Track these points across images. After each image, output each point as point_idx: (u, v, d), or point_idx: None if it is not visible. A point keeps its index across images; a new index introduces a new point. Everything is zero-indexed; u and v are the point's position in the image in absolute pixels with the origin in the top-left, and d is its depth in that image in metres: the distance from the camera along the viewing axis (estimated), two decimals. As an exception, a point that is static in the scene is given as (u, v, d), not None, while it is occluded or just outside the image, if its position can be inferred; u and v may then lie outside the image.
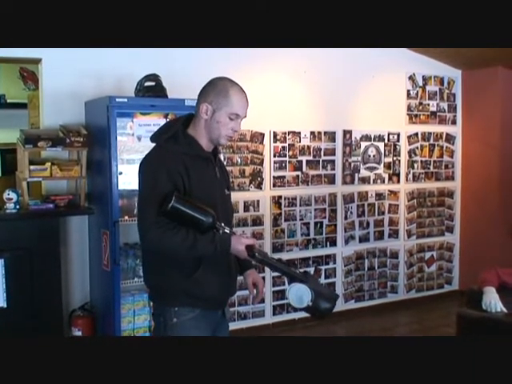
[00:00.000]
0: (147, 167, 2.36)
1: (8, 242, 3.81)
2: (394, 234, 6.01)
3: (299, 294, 2.38)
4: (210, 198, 2.36)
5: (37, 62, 4.40)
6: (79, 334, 4.14)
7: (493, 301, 3.71)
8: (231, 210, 2.66)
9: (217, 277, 2.37)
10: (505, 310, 3.68)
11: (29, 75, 6.77)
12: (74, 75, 4.28)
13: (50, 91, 4.29)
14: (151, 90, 4.08)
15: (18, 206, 3.86)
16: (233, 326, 5.02)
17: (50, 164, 3.97)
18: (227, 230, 2.31)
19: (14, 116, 5.80)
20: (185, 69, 4.68)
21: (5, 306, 3.82)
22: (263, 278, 5.07)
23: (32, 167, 3.94)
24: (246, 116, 2.44)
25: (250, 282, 2.53)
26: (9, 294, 3.83)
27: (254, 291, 2.56)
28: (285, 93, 5.28)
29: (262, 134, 5.20)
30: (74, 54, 4.20)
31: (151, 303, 2.80)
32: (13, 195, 3.85)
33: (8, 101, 6.42)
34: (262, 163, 5.21)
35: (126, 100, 3.90)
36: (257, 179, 5.20)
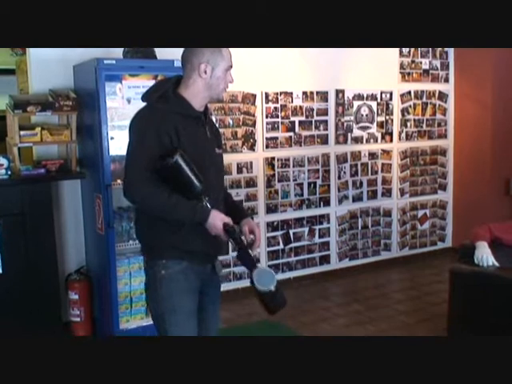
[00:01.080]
0: (136, 126, 2.38)
1: (1, 207, 3.79)
2: (387, 193, 6.00)
3: (266, 277, 2.40)
4: (200, 156, 2.36)
5: (23, 25, 4.30)
6: (76, 297, 4.15)
7: (485, 255, 3.73)
8: (223, 169, 2.65)
9: (204, 233, 2.34)
10: (497, 263, 3.70)
11: (16, 41, 6.64)
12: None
13: (37, 56, 4.20)
14: (140, 51, 4.01)
15: (9, 172, 3.83)
16: (229, 286, 5.08)
17: (40, 129, 3.93)
18: (208, 205, 2.31)
19: (3, 82, 5.69)
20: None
21: (0, 271, 3.82)
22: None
23: (22, 132, 3.90)
24: None
25: (247, 229, 2.50)
26: (4, 259, 3.82)
27: (251, 237, 2.51)
28: (276, 52, 5.18)
29: (254, 95, 5.13)
30: (60, 17, 4.10)
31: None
32: (3, 161, 3.81)
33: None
34: (254, 124, 5.16)
35: (114, 62, 3.84)
36: (249, 141, 5.15)
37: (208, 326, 2.58)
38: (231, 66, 2.47)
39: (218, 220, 2.30)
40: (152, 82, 3.84)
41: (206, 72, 2.38)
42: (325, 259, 5.64)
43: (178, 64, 3.77)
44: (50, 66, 4.19)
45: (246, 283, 5.16)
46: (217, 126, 2.74)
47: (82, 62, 4.09)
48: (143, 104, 2.45)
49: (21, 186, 3.87)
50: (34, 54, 4.21)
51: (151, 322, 3.02)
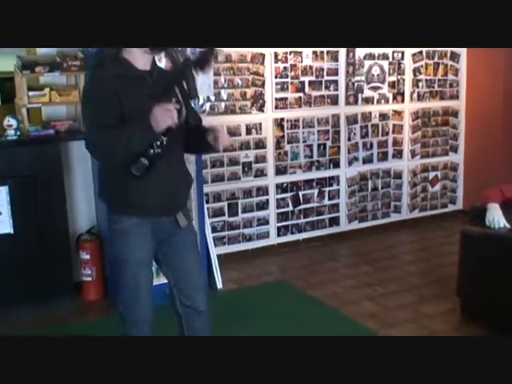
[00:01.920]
0: (84, 97, 2.53)
1: (10, 168, 3.81)
2: (398, 155, 5.95)
3: None
4: (145, 114, 2.33)
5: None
6: (87, 257, 4.19)
7: (496, 217, 3.71)
8: (178, 134, 2.53)
9: (154, 185, 2.44)
10: (508, 225, 3.68)
11: (23, 0, 6.57)
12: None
13: (44, 14, 4.15)
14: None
15: (18, 133, 3.84)
16: (238, 247, 5.12)
17: (48, 89, 3.92)
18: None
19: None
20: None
21: (12, 231, 3.86)
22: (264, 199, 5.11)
23: (31, 93, 3.90)
24: None
25: (212, 137, 2.53)
26: (15, 219, 3.85)
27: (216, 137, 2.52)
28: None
29: (263, 55, 5.07)
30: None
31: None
32: (13, 122, 3.81)
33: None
34: (263, 85, 5.10)
35: (121, 21, 3.77)
36: (258, 101, 5.10)
37: (186, 276, 2.65)
38: None
39: (161, 110, 2.31)
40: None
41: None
42: (334, 221, 5.65)
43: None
44: (57, 26, 4.14)
45: (255, 244, 5.21)
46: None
47: (90, 20, 4.03)
48: None
49: (30, 146, 3.87)
50: (41, 13, 4.16)
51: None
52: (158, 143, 2.36)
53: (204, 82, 4.43)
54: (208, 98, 4.80)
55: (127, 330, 2.63)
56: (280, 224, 5.35)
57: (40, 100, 3.91)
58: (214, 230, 4.89)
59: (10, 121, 3.82)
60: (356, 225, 5.80)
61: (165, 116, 2.30)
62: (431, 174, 6.24)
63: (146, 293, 2.56)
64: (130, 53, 2.45)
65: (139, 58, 2.45)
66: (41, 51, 4.18)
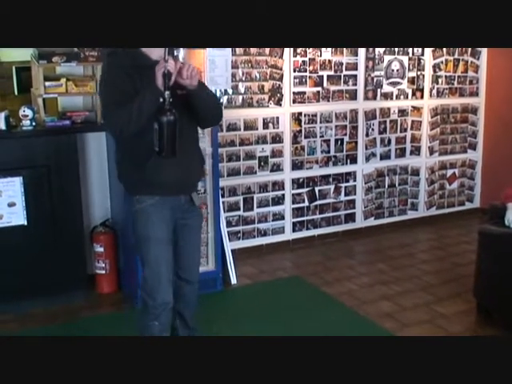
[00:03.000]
0: (100, 83, 2.74)
1: (25, 159, 3.78)
2: (416, 151, 5.88)
3: None
4: None
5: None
6: (101, 250, 4.17)
7: (516, 217, 3.63)
8: (186, 112, 2.70)
9: (170, 164, 2.60)
10: (529, 226, 3.60)
11: (41, -11, 6.54)
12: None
13: (61, 4, 4.11)
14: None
15: (34, 123, 3.80)
16: (253, 242, 5.08)
17: (65, 80, 3.88)
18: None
19: (28, 32, 5.62)
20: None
21: (25, 223, 3.83)
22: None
23: (47, 83, 3.86)
24: None
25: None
26: (29, 211, 3.83)
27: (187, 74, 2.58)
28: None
29: (282, 48, 5.00)
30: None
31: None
32: (28, 112, 3.78)
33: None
34: (281, 78, 5.04)
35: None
36: (276, 95, 5.04)
37: (188, 255, 2.90)
38: None
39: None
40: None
41: None
42: (350, 217, 5.58)
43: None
44: (74, 15, 4.10)
45: (269, 239, 5.17)
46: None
47: (107, 11, 3.99)
48: None
49: (46, 137, 3.84)
50: (59, 2, 4.12)
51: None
52: (166, 100, 2.46)
53: (222, 75, 4.37)
54: (225, 91, 4.74)
55: (149, 322, 2.76)
56: (295, 219, 5.30)
57: (56, 90, 3.88)
58: (228, 224, 4.84)
59: (25, 111, 3.78)
60: (372, 221, 5.73)
61: (160, 66, 2.46)
62: (449, 172, 6.16)
63: (166, 270, 2.73)
64: None
65: (153, 48, 2.58)
66: (58, 41, 4.15)
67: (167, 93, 2.46)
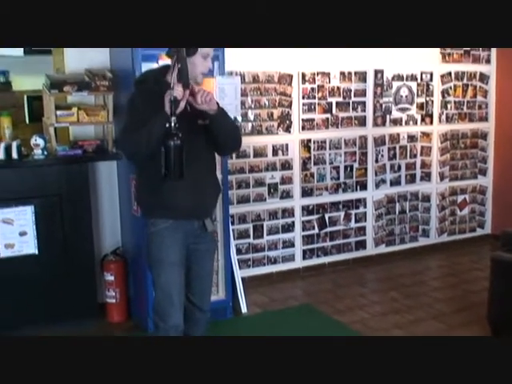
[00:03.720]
0: (127, 105, 2.82)
1: (37, 188, 3.82)
2: (426, 177, 5.88)
3: None
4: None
5: (59, 4, 4.28)
6: (111, 278, 4.17)
7: (530, 244, 3.62)
8: (205, 141, 2.79)
9: (184, 188, 2.67)
10: (543, 253, 3.59)
11: (52, 19, 6.64)
12: (97, 17, 4.15)
13: (73, 34, 4.18)
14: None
15: (45, 152, 3.83)
16: (263, 270, 5.07)
17: (76, 109, 3.92)
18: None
19: (39, 62, 5.68)
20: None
21: (36, 252, 3.85)
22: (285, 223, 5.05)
23: (59, 112, 3.90)
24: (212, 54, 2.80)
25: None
26: (40, 240, 3.85)
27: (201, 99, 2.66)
28: (314, 32, 5.08)
29: (291, 76, 5.05)
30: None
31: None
32: (40, 141, 3.82)
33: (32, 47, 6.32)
34: (290, 105, 5.08)
35: (150, 42, 3.78)
36: (285, 122, 5.08)
37: (200, 280, 2.93)
38: (208, 54, 2.74)
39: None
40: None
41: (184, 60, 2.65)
42: (361, 244, 5.57)
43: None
44: (86, 46, 4.16)
45: (280, 267, 5.16)
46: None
47: (119, 41, 4.05)
48: None
49: (57, 166, 3.88)
50: (70, 33, 4.19)
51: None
52: (172, 125, 2.52)
53: (231, 102, 4.41)
54: (235, 118, 4.77)
55: None
56: (306, 247, 5.29)
57: (68, 119, 3.92)
58: (238, 252, 4.84)
59: (37, 140, 3.82)
60: (383, 249, 5.71)
61: (168, 92, 2.55)
62: (460, 198, 6.15)
63: (177, 294, 2.77)
64: (171, 76, 2.65)
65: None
66: (69, 70, 4.22)
67: (173, 118, 2.54)
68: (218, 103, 2.80)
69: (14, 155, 3.77)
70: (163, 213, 2.75)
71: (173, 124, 2.53)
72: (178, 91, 2.56)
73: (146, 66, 3.89)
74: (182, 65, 2.57)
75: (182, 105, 2.59)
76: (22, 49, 4.08)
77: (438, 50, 5.79)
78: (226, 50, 4.06)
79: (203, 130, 2.76)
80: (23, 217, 3.82)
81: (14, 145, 3.77)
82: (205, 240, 2.89)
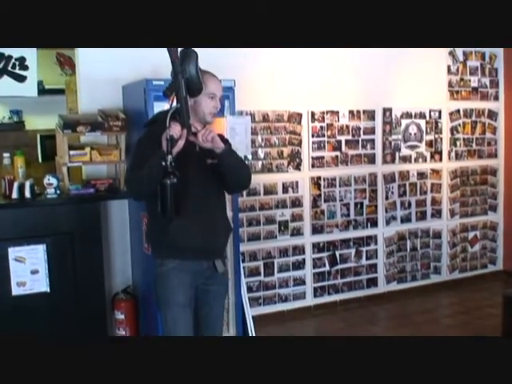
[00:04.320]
0: (135, 146, 2.87)
1: (49, 227, 3.83)
2: (437, 214, 5.89)
3: None
4: (184, 169, 2.62)
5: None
6: (122, 317, 4.16)
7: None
8: (214, 179, 2.81)
9: (193, 227, 2.69)
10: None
11: (65, 60, 6.80)
12: (110, 59, 4.24)
13: (86, 76, 4.28)
14: (188, 72, 4.03)
15: (58, 191, 3.86)
16: (274, 308, 5.05)
17: (89, 149, 3.96)
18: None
19: (52, 102, 5.81)
20: (221, 50, 4.60)
21: (48, 290, 3.86)
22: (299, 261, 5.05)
23: (72, 152, 3.93)
24: (222, 94, 2.86)
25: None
26: (51, 278, 3.86)
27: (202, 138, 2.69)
28: (322, 71, 5.18)
29: (300, 114, 5.12)
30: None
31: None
32: (53, 180, 3.85)
33: (46, 87, 6.44)
34: (300, 144, 5.14)
35: (162, 83, 3.83)
36: (295, 160, 5.13)
37: (211, 322, 2.91)
38: (215, 94, 2.79)
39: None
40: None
41: (191, 100, 2.72)
42: (372, 282, 5.56)
43: (225, 84, 3.82)
44: (99, 86, 4.25)
45: (290, 305, 5.13)
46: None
47: (131, 82, 4.14)
48: None
49: (70, 205, 3.90)
50: (84, 73, 4.29)
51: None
52: (168, 163, 2.53)
53: (242, 141, 4.46)
54: (245, 157, 4.82)
55: None
56: (316, 284, 5.28)
57: (81, 159, 3.96)
58: (249, 289, 4.84)
59: (50, 179, 3.86)
60: (395, 286, 5.69)
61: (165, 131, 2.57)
62: (470, 234, 6.15)
63: (184, 334, 2.73)
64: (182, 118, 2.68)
65: (192, 122, 2.69)
66: (82, 110, 4.29)
67: (170, 156, 2.54)
68: (227, 141, 2.85)
69: (27, 194, 3.80)
70: (170, 252, 2.74)
71: (169, 162, 2.54)
72: (174, 130, 2.57)
73: (159, 106, 3.96)
74: (181, 104, 2.61)
75: (181, 144, 2.59)
76: (36, 90, 4.14)
77: (445, 87, 5.86)
78: (237, 89, 4.11)
79: (212, 169, 2.77)
80: (35, 255, 3.84)
81: (27, 184, 3.81)
82: (215, 281, 2.85)
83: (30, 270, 3.83)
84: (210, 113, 2.80)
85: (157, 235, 2.79)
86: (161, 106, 3.96)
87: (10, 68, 4.03)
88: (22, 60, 4.04)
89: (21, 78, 4.07)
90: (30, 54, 4.06)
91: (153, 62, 4.30)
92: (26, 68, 4.07)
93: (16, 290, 3.81)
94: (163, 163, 2.54)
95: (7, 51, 3.99)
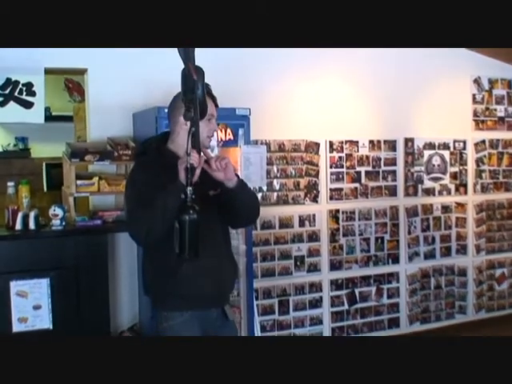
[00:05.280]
0: (127, 183, 2.71)
1: (54, 260, 3.79)
2: (462, 250, 5.81)
3: None
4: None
5: (82, 72, 4.41)
6: (128, 357, 4.08)
7: None
8: (215, 211, 2.66)
9: (203, 273, 2.52)
10: None
11: (74, 86, 6.86)
12: (121, 85, 4.27)
13: (96, 103, 4.28)
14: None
15: (64, 223, 3.84)
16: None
17: (97, 178, 3.96)
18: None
19: (60, 129, 5.85)
20: (236, 77, 4.62)
21: (51, 327, 3.80)
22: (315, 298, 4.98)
23: (79, 182, 3.92)
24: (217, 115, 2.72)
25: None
26: (55, 314, 3.81)
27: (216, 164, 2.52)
28: (341, 99, 5.16)
29: (318, 144, 5.09)
30: (121, 63, 4.20)
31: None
32: (59, 211, 3.83)
33: (53, 113, 6.50)
34: (317, 175, 5.10)
35: (174, 110, 3.84)
36: (312, 192, 5.08)
37: None
38: (212, 116, 2.65)
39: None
40: (213, 131, 3.91)
41: (185, 124, 2.55)
42: (394, 322, 5.45)
43: (240, 112, 3.83)
44: (108, 114, 4.26)
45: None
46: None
47: (142, 109, 4.14)
48: None
49: (75, 237, 3.87)
50: (93, 100, 4.30)
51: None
52: (188, 196, 2.33)
53: (257, 172, 4.44)
54: (260, 188, 4.80)
55: None
56: (334, 324, 5.19)
57: (88, 189, 3.95)
58: (263, 329, 4.75)
59: (55, 210, 3.84)
60: (418, 327, 5.58)
61: (183, 159, 2.38)
62: (498, 272, 6.04)
63: None
64: (175, 143, 2.66)
65: (183, 149, 2.45)
66: (91, 138, 4.29)
67: (189, 188, 2.34)
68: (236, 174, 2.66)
69: (32, 225, 3.77)
70: (178, 303, 2.56)
71: (189, 195, 2.33)
72: (194, 158, 2.36)
73: (170, 135, 3.96)
74: (196, 128, 2.40)
75: (198, 172, 2.39)
76: (43, 117, 4.15)
77: (470, 117, 5.83)
78: (252, 118, 4.10)
79: (215, 201, 2.62)
80: (38, 290, 3.79)
81: (32, 215, 3.79)
82: (226, 330, 2.70)
83: (33, 305, 3.78)
84: (209, 136, 2.66)
85: (161, 284, 2.59)
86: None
87: (16, 94, 4.04)
88: (29, 85, 4.06)
89: (28, 105, 4.08)
90: (38, 79, 4.08)
91: (164, 89, 4.31)
92: (33, 94, 4.08)
93: (17, 327, 3.76)
94: (182, 195, 2.34)
95: (14, 76, 4.02)
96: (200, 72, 2.45)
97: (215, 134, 2.77)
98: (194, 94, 2.39)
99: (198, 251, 2.34)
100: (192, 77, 2.38)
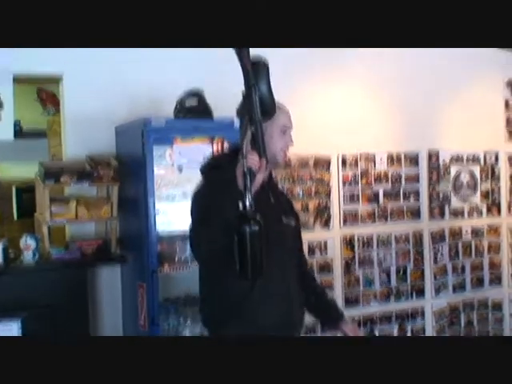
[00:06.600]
0: (196, 199, 2.67)
1: (25, 299, 3.77)
2: (496, 280, 5.84)
3: None
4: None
5: (57, 80, 4.40)
6: (112, 410, 4.04)
7: None
8: (291, 241, 2.76)
9: (272, 302, 2.54)
10: None
11: (48, 97, 6.86)
12: (101, 95, 4.26)
13: (73, 115, 4.28)
14: (193, 110, 4.03)
15: (37, 255, 3.84)
16: None
17: (75, 203, 3.94)
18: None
19: (32, 147, 5.85)
20: (232, 84, 4.61)
21: (24, 375, 3.76)
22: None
23: (54, 208, 3.91)
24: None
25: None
26: (28, 361, 3.77)
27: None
28: (355, 108, 5.17)
29: (328, 159, 5.09)
30: (101, 70, 4.20)
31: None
32: (31, 242, 3.82)
33: (24, 128, 6.48)
34: (328, 195, 5.10)
35: (163, 123, 3.84)
36: (323, 215, 5.08)
37: None
38: (288, 127, 2.71)
39: None
40: (208, 147, 3.94)
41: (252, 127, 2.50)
42: (419, 364, 5.41)
43: (238, 124, 3.80)
44: (87, 127, 4.24)
45: None
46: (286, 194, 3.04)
47: (126, 122, 4.13)
48: (196, 172, 2.78)
49: (50, 272, 3.86)
50: (69, 112, 4.30)
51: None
52: (248, 205, 2.29)
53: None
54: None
55: None
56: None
57: (64, 216, 3.93)
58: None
59: (27, 241, 3.83)
60: (447, 370, 5.53)
61: (240, 163, 2.36)
62: (538, 305, 6.03)
63: None
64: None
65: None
66: (68, 156, 4.28)
67: (249, 195, 2.30)
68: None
69: (-1, 260, 3.76)
70: (240, 328, 2.54)
71: (247, 203, 2.29)
72: (252, 160, 2.34)
73: (159, 150, 3.95)
74: (256, 128, 2.41)
75: (260, 179, 2.38)
76: (12, 132, 4.14)
77: (503, 126, 5.84)
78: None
79: (289, 229, 2.74)
80: (8, 334, 3.76)
81: (0, 247, 3.77)
82: None
83: (1, 352, 3.75)
84: (282, 149, 2.69)
85: (224, 314, 2.58)
86: (162, 149, 3.95)
87: (-21, 105, 4.04)
88: (-6, 96, 4.05)
89: (-7, 118, 4.08)
90: (6, 88, 4.06)
91: (151, 98, 4.33)
92: (-1, 105, 4.08)
93: (-17, 378, 3.72)
94: (240, 204, 2.30)
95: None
96: (260, 64, 2.49)
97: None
98: (250, 87, 2.43)
99: (262, 270, 2.31)
100: (246, 67, 2.43)
